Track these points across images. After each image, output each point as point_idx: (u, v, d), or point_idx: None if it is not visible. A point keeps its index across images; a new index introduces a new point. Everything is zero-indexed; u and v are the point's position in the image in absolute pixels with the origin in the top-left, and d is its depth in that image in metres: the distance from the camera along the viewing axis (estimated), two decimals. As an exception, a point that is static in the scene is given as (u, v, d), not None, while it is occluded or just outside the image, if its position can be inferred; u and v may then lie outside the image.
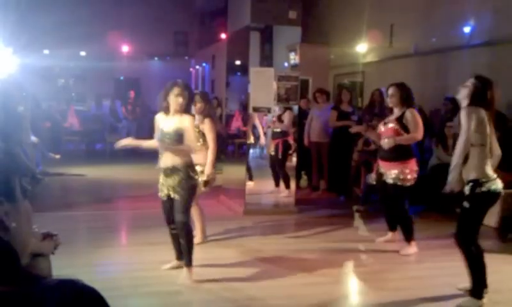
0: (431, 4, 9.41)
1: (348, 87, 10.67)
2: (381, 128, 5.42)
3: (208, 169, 5.02)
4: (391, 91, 5.32)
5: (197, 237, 5.45)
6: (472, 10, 8.40)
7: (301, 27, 7.18)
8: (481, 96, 3.92)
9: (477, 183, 3.87)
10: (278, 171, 7.49)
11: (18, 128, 2.62)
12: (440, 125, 7.79)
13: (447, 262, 4.90)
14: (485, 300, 3.98)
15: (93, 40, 13.80)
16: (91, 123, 13.61)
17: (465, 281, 4.08)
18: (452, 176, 3.97)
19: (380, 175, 5.48)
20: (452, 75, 8.67)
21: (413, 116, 5.20)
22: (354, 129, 6.71)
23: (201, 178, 4.90)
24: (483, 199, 3.91)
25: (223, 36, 12.13)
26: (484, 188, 3.86)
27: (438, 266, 5.04)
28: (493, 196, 3.93)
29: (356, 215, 7.18)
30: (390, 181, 5.27)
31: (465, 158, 3.91)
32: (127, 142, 4.59)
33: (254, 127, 7.43)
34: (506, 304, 4.25)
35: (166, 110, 4.28)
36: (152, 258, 4.95)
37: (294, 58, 7.24)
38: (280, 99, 7.09)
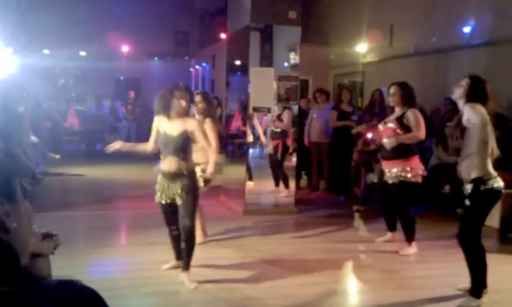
0: (431, 4, 9.41)
1: (348, 87, 10.66)
2: (381, 127, 5.41)
3: (210, 168, 5.01)
4: (392, 90, 5.30)
5: (198, 237, 5.45)
6: (472, 10, 8.40)
7: (301, 27, 7.18)
8: (477, 94, 3.92)
9: (480, 181, 3.85)
10: (277, 172, 7.50)
11: (19, 129, 2.62)
12: (440, 125, 7.78)
13: (447, 262, 4.91)
14: (484, 300, 3.98)
15: (93, 40, 13.80)
16: (91, 123, 13.62)
17: (465, 281, 4.08)
18: (465, 165, 3.94)
19: (382, 175, 5.47)
20: (452, 75, 8.66)
21: (415, 116, 5.18)
22: (356, 129, 6.72)
23: (202, 177, 4.91)
24: (486, 197, 3.90)
25: (223, 36, 12.12)
26: (487, 186, 3.85)
27: (438, 266, 5.04)
28: (495, 194, 3.92)
29: (356, 215, 7.19)
30: (392, 180, 5.25)
31: (469, 156, 3.89)
32: (118, 145, 4.53)
33: (253, 127, 7.43)
34: (505, 304, 4.25)
35: (168, 114, 4.22)
36: (152, 258, 4.95)
37: (294, 58, 7.24)
38: (280, 99, 7.10)
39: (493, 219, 5.71)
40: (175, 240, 4.47)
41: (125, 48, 15.98)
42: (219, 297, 4.14)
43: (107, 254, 5.15)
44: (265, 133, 7.48)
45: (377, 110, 7.75)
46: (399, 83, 5.35)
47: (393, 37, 10.39)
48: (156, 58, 17.49)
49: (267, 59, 7.14)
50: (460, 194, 4.05)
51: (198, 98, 5.24)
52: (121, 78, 17.28)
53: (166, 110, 4.22)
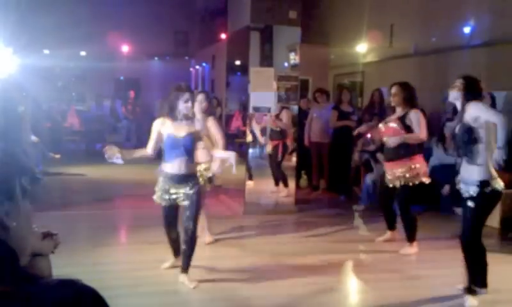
0: (430, 4, 9.41)
1: (348, 87, 10.67)
2: (382, 127, 5.39)
3: (217, 167, 5.04)
4: (394, 90, 5.28)
5: (207, 237, 5.46)
6: (472, 10, 8.40)
7: (301, 27, 7.18)
8: (474, 92, 3.92)
9: (485, 183, 3.82)
10: (275, 172, 7.49)
11: (18, 129, 2.62)
12: (439, 125, 7.79)
13: (447, 262, 4.91)
14: (485, 299, 3.99)
15: (93, 40, 13.80)
16: (91, 123, 13.63)
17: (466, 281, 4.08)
18: (468, 166, 3.90)
19: (383, 176, 5.45)
20: (451, 75, 8.63)
21: (417, 117, 5.16)
22: (358, 130, 6.72)
23: (206, 176, 4.92)
24: (490, 198, 3.87)
25: (223, 36, 12.13)
26: (490, 188, 3.82)
27: (438, 266, 5.04)
28: (498, 195, 3.91)
29: (356, 214, 7.19)
30: (393, 184, 5.23)
31: (475, 157, 3.84)
32: (114, 152, 4.13)
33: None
34: (506, 303, 4.25)
35: (172, 116, 4.16)
36: (152, 257, 4.96)
37: (294, 58, 7.24)
38: (280, 99, 7.10)
39: (493, 219, 5.71)
40: (175, 241, 4.47)
41: (125, 48, 15.98)
42: (219, 297, 4.15)
43: (107, 254, 5.16)
44: (264, 133, 7.47)
45: (377, 110, 7.75)
46: (401, 83, 5.33)
47: (393, 37, 10.38)
48: (156, 58, 17.50)
49: (267, 59, 7.14)
50: (457, 193, 4.04)
51: (200, 97, 5.24)
52: (121, 78, 17.28)
53: (172, 113, 4.15)
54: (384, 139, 5.29)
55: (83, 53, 15.83)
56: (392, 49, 10.42)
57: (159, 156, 4.30)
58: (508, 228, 5.88)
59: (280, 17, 7.03)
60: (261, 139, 7.38)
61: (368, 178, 7.51)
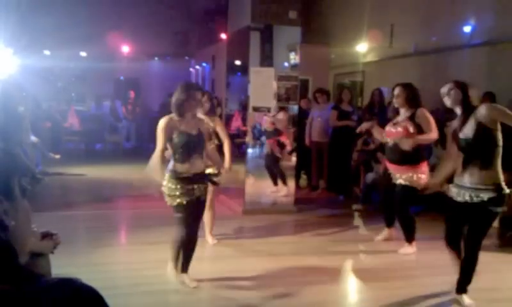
0: (431, 4, 9.42)
1: (348, 86, 10.68)
2: (391, 129, 5.25)
3: (228, 163, 5.05)
4: (397, 91, 5.23)
5: (210, 239, 5.47)
6: (472, 10, 8.40)
7: (301, 27, 7.19)
8: (469, 97, 3.88)
9: (499, 186, 3.75)
10: (274, 169, 7.48)
11: (18, 129, 2.63)
12: (439, 124, 7.78)
13: (446, 261, 4.90)
14: (484, 298, 3.99)
15: (93, 41, 13.80)
16: (91, 123, 13.64)
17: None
18: (476, 171, 3.78)
19: (386, 175, 5.42)
20: (452, 74, 8.66)
21: (425, 116, 5.09)
22: (361, 128, 6.67)
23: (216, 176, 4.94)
24: (501, 202, 3.79)
25: (223, 36, 12.13)
26: (503, 191, 3.75)
27: (437, 265, 5.03)
28: (506, 198, 3.83)
29: (356, 214, 7.19)
30: (400, 182, 5.21)
31: (488, 161, 3.75)
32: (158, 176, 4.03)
33: (254, 127, 7.43)
34: (505, 302, 4.26)
35: (182, 114, 4.04)
36: (152, 257, 4.97)
37: (294, 58, 7.24)
38: (280, 99, 7.11)
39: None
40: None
41: (125, 49, 15.97)
42: (219, 296, 4.15)
43: (107, 254, 5.16)
44: (263, 134, 7.47)
45: (377, 110, 7.75)
46: (404, 84, 5.28)
47: (393, 37, 10.39)
48: (156, 58, 17.49)
49: (267, 59, 7.14)
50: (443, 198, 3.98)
51: (204, 97, 5.23)
52: (121, 78, 17.28)
53: (181, 111, 4.03)
54: (390, 140, 5.22)
55: (83, 53, 15.83)
56: (392, 49, 10.43)
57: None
58: (507, 227, 5.87)
59: (280, 17, 7.04)
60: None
61: (368, 178, 7.51)
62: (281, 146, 7.44)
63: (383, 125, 5.54)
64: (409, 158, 5.11)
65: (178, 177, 4.01)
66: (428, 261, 5.18)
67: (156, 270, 4.56)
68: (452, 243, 4.06)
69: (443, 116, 7.91)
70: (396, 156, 5.19)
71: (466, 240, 3.94)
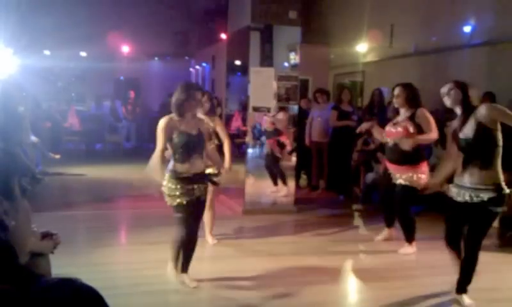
0: (431, 4, 9.42)
1: (348, 87, 10.68)
2: (391, 129, 5.25)
3: (228, 163, 5.06)
4: (397, 91, 5.22)
5: (210, 239, 5.47)
6: (472, 10, 8.41)
7: (301, 27, 7.19)
8: (469, 97, 3.88)
9: (499, 186, 3.75)
10: (274, 169, 7.49)
11: (18, 128, 2.63)
12: (439, 124, 7.78)
13: (446, 261, 4.91)
14: (484, 298, 3.99)
15: (93, 41, 13.81)
16: (91, 123, 13.64)
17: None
18: (477, 171, 3.77)
19: (387, 175, 5.42)
20: (452, 74, 8.66)
21: (425, 116, 5.08)
22: (361, 128, 6.67)
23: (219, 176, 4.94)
24: (502, 202, 3.79)
25: (223, 36, 12.13)
26: (503, 191, 3.76)
27: (437, 265, 5.04)
28: (506, 198, 3.84)
29: (356, 214, 7.20)
30: (400, 182, 5.20)
31: (488, 160, 3.74)
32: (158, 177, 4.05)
33: (254, 127, 7.44)
34: (505, 302, 4.26)
35: (182, 114, 4.02)
36: (152, 257, 4.97)
37: (294, 58, 7.24)
38: (280, 99, 7.11)
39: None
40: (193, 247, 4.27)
41: (125, 49, 15.98)
42: (219, 296, 4.15)
43: (107, 254, 5.16)
44: (263, 134, 7.48)
45: (376, 110, 7.75)
46: (403, 84, 5.27)
47: (393, 37, 10.39)
48: (156, 58, 17.49)
49: (267, 59, 7.14)
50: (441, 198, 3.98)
51: (204, 97, 5.24)
52: (121, 78, 17.28)
53: (181, 111, 4.02)
54: (390, 140, 5.21)
55: (83, 53, 15.84)
56: (392, 49, 10.43)
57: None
58: (507, 227, 5.88)
59: (280, 17, 7.04)
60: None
61: (368, 178, 7.52)
62: (281, 146, 7.44)
63: (382, 125, 5.54)
64: (409, 158, 5.10)
65: (178, 177, 4.01)
66: (428, 261, 5.18)
67: (156, 270, 4.56)
68: (452, 243, 4.06)
69: (443, 116, 7.93)
70: (396, 156, 5.18)
71: (466, 240, 3.94)
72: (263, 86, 7.00)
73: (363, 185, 7.70)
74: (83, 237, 5.80)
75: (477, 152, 3.77)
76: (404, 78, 5.77)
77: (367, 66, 11.50)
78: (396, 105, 5.28)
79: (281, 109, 7.20)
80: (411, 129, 5.06)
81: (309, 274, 4.71)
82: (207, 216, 5.28)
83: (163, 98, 13.61)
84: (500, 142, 3.75)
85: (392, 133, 5.21)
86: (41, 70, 12.87)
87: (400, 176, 5.20)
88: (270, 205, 7.42)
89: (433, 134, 5.07)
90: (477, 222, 3.87)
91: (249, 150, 7.37)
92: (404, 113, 5.23)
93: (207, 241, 5.48)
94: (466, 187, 3.83)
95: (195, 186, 4.05)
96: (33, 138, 7.57)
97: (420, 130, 5.08)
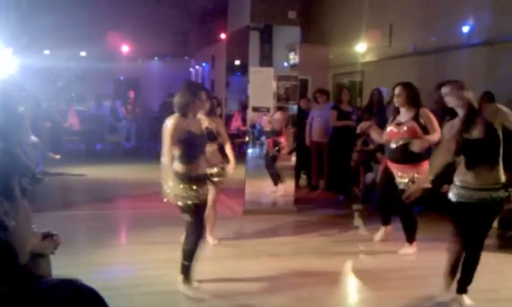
0: (429, 4, 9.42)
1: (348, 86, 10.68)
2: (393, 129, 5.22)
3: (233, 163, 5.07)
4: (397, 90, 5.21)
5: (211, 239, 5.47)
6: (471, 10, 8.41)
7: (301, 27, 7.19)
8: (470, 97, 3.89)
9: (505, 184, 3.77)
10: (268, 168, 7.48)
11: (18, 129, 2.63)
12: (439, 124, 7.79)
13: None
14: (483, 298, 3.99)
15: (93, 41, 13.81)
16: (91, 123, 13.65)
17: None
18: (489, 169, 3.78)
19: (387, 174, 5.41)
20: (450, 74, 8.67)
21: (429, 116, 5.08)
22: (360, 127, 6.67)
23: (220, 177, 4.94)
24: (506, 200, 3.80)
25: (223, 36, 12.14)
26: (510, 189, 3.77)
27: (437, 266, 5.03)
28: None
29: (356, 214, 7.20)
30: (402, 185, 5.18)
31: (496, 160, 3.75)
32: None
33: (253, 127, 7.44)
34: (504, 302, 4.27)
35: (185, 114, 3.98)
36: (152, 258, 4.97)
37: (293, 58, 7.25)
38: (279, 99, 7.11)
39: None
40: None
41: (124, 49, 15.98)
42: (219, 296, 4.15)
43: (107, 254, 5.17)
44: (263, 133, 7.48)
45: (375, 110, 7.75)
46: (404, 83, 5.26)
47: (392, 37, 10.39)
48: (156, 58, 17.49)
49: (266, 59, 7.15)
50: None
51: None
52: (121, 78, 17.29)
53: (185, 110, 3.98)
54: (393, 141, 5.20)
55: (83, 53, 15.84)
56: (391, 49, 10.44)
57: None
58: (507, 227, 5.89)
59: (279, 17, 7.05)
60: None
61: (368, 178, 7.52)
62: (276, 144, 7.43)
63: (382, 125, 5.53)
64: (412, 157, 5.09)
65: (184, 178, 3.92)
66: (428, 261, 5.18)
67: (156, 271, 4.57)
68: (468, 244, 3.98)
69: (444, 115, 7.93)
70: (398, 156, 5.17)
71: (471, 240, 3.92)
72: (262, 85, 7.00)
73: (363, 185, 7.71)
74: (83, 237, 5.80)
75: (488, 152, 3.78)
76: (403, 78, 5.76)
77: (366, 66, 11.50)
78: (397, 105, 5.26)
79: (278, 108, 7.20)
80: (419, 130, 5.06)
81: (309, 274, 4.72)
82: (208, 216, 5.27)
83: (163, 98, 13.62)
84: (502, 142, 3.78)
85: (396, 133, 5.19)
86: (41, 70, 12.86)
87: (402, 176, 5.18)
88: (270, 205, 7.42)
89: (437, 134, 5.07)
90: (487, 221, 3.88)
91: (249, 150, 7.37)
92: (405, 113, 5.21)
93: (207, 241, 5.49)
94: (478, 189, 3.78)
95: (200, 187, 4.01)
96: (33, 138, 7.57)
97: (424, 130, 5.08)
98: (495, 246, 5.63)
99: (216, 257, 5.15)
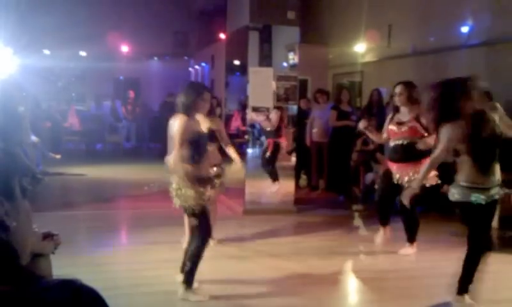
0: (429, 4, 9.43)
1: (347, 87, 10.69)
2: (394, 128, 5.20)
3: (239, 161, 5.08)
4: (398, 89, 5.18)
5: (213, 239, 5.47)
6: (470, 10, 8.41)
7: (300, 27, 7.20)
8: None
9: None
10: (265, 167, 7.47)
11: (18, 128, 2.64)
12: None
13: (446, 262, 4.92)
14: (483, 298, 3.99)
15: (93, 40, 13.81)
16: (91, 123, 13.65)
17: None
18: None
19: (388, 174, 5.40)
20: (450, 74, 8.63)
21: None
22: (360, 127, 6.66)
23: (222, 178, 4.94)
24: None
25: (222, 36, 12.14)
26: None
27: (437, 266, 5.06)
28: None
29: (356, 214, 7.20)
30: (405, 184, 5.15)
31: (498, 157, 3.81)
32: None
33: (253, 126, 7.44)
34: (504, 302, 4.27)
35: (189, 114, 3.94)
36: (152, 258, 4.97)
37: (292, 58, 7.25)
38: (279, 99, 7.11)
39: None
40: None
41: (124, 49, 15.99)
42: (218, 296, 4.16)
43: (107, 254, 5.17)
44: (263, 133, 7.49)
45: (375, 111, 7.75)
46: (405, 82, 5.24)
47: (391, 37, 10.40)
48: (155, 58, 17.49)
49: (266, 59, 7.15)
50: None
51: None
52: (121, 78, 17.29)
53: (189, 110, 3.94)
54: (393, 140, 5.19)
55: (83, 53, 15.85)
56: (390, 49, 10.44)
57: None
58: (506, 227, 5.90)
59: (278, 17, 7.05)
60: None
61: (368, 178, 7.52)
62: (277, 146, 7.43)
63: (381, 125, 5.53)
64: (412, 156, 5.08)
65: (193, 178, 3.87)
66: (428, 261, 5.19)
67: (156, 271, 4.57)
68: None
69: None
70: (398, 155, 5.15)
71: (472, 239, 3.91)
72: (262, 86, 7.00)
73: (363, 186, 7.71)
74: (83, 237, 5.80)
75: (497, 149, 3.82)
76: (402, 78, 5.74)
77: (365, 66, 11.51)
78: (398, 104, 5.22)
79: (275, 108, 7.19)
80: (422, 130, 5.05)
81: (309, 274, 4.72)
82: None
83: (163, 98, 13.62)
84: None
85: (397, 132, 5.18)
86: (41, 70, 12.88)
87: (402, 176, 5.17)
88: (270, 205, 7.42)
89: None
90: (489, 219, 3.91)
91: (249, 150, 7.37)
92: (406, 112, 5.18)
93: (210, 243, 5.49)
94: (495, 186, 3.81)
95: (206, 187, 3.98)
96: (33, 138, 7.57)
97: (426, 130, 5.07)
98: (495, 246, 5.62)
99: (216, 257, 5.15)
